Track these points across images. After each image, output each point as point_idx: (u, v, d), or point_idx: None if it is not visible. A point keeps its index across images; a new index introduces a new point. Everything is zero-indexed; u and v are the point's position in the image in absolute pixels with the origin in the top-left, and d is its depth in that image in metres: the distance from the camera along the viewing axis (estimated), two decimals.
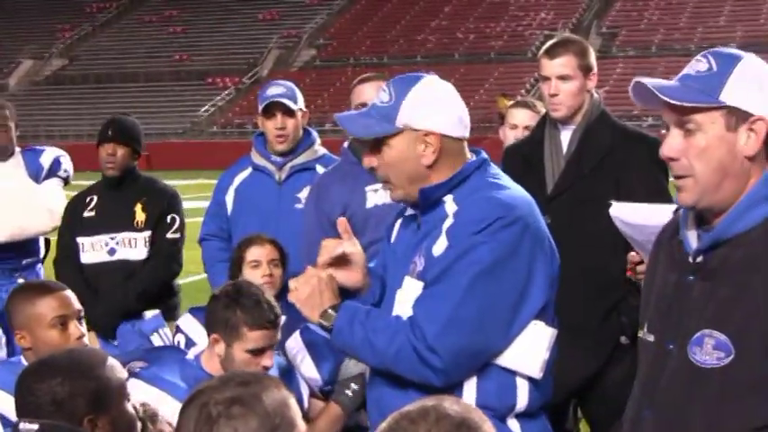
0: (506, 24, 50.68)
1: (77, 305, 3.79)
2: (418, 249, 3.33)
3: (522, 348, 3.26)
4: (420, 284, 3.29)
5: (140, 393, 3.66)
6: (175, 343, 4.84)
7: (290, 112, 5.56)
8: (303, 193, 5.44)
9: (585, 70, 4.86)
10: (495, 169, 3.43)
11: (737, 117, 2.67)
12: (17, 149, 6.52)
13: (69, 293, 3.80)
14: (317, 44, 52.96)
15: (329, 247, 3.48)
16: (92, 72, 54.25)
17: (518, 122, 6.03)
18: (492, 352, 3.25)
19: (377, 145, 3.35)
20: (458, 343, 3.18)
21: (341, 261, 3.48)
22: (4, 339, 4.96)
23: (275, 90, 5.59)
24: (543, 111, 5.72)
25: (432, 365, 3.19)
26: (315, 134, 5.74)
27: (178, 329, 4.88)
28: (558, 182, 4.84)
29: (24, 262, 6.32)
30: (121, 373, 2.86)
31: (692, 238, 2.78)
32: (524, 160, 4.97)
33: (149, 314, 5.79)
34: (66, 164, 6.56)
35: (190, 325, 4.79)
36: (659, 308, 2.84)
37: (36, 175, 6.44)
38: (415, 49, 49.93)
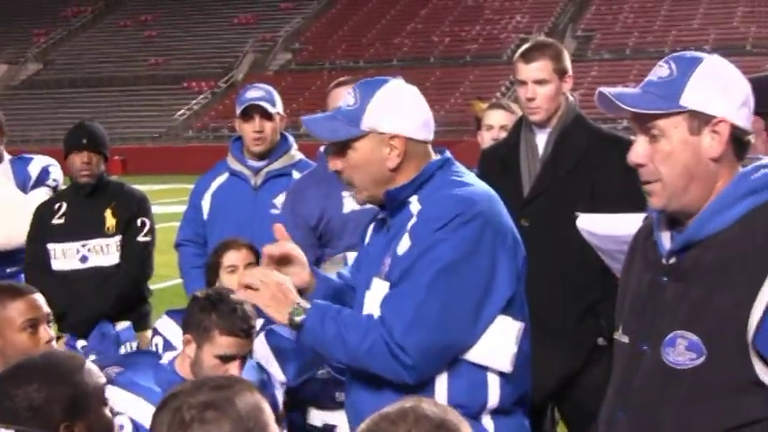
0: (482, 28, 50.77)
1: (47, 308, 3.78)
2: (387, 250, 3.36)
3: (490, 343, 3.28)
4: (386, 285, 3.32)
5: (116, 399, 3.65)
6: (153, 345, 4.84)
7: (268, 116, 5.55)
8: (279, 199, 5.43)
9: (561, 73, 4.88)
10: (458, 167, 3.46)
11: (699, 120, 2.69)
12: (6, 157, 6.49)
13: (39, 297, 3.78)
14: (293, 48, 52.92)
15: (270, 250, 3.50)
16: (67, 76, 54.08)
17: (494, 123, 6.04)
18: (460, 348, 3.27)
19: (342, 148, 3.38)
20: (424, 340, 3.21)
21: (284, 262, 3.50)
22: None
23: (254, 93, 5.58)
24: (518, 112, 5.73)
25: (402, 362, 3.21)
26: (291, 139, 5.74)
27: (155, 332, 4.88)
28: (534, 185, 4.85)
29: (8, 271, 6.28)
30: (99, 377, 2.84)
31: (666, 240, 2.80)
32: (501, 163, 4.99)
33: (121, 326, 5.80)
34: (56, 173, 6.54)
35: (167, 327, 4.79)
36: (634, 309, 2.85)
37: (23, 184, 6.42)
38: (391, 52, 49.96)
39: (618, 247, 3.38)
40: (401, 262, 3.27)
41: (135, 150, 42.39)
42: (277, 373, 4.52)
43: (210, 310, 3.95)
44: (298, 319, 3.29)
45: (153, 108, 48.97)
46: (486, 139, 5.98)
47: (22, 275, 6.37)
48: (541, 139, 4.90)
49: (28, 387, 2.70)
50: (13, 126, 48.56)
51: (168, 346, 4.66)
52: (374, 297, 3.35)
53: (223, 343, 3.93)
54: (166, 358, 4.20)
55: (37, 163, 6.52)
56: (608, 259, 3.70)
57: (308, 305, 3.31)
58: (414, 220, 3.31)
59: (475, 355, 3.28)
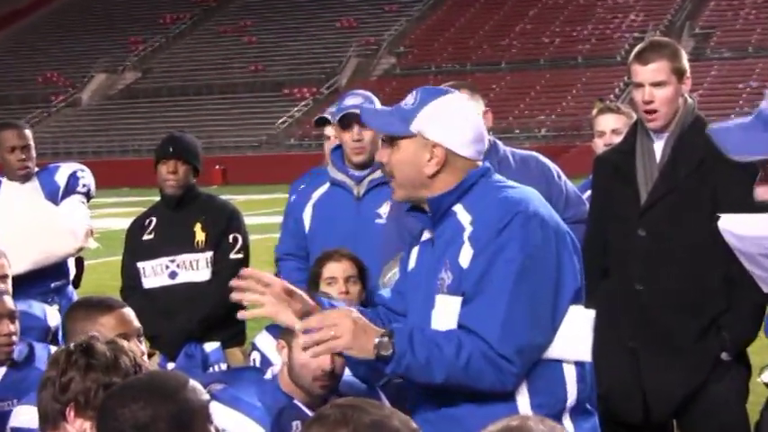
0: (594, 27, 50.43)
1: (137, 323, 3.85)
2: (441, 265, 3.43)
3: (568, 335, 3.38)
4: (456, 299, 3.38)
5: (218, 416, 3.69)
6: (251, 361, 4.88)
7: None
8: (383, 209, 5.43)
9: (679, 74, 4.82)
10: (498, 176, 3.58)
11: None
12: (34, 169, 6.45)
13: (129, 311, 3.86)
14: (397, 52, 53.13)
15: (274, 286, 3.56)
16: (165, 85, 54.95)
17: (605, 128, 6.00)
18: (546, 345, 3.36)
19: (391, 142, 3.53)
20: (521, 344, 3.29)
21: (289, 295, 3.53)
22: None
23: (352, 100, 5.58)
24: (631, 113, 5.67)
25: (506, 371, 3.29)
26: None
27: (254, 347, 4.92)
28: (651, 192, 4.80)
29: (53, 285, 6.29)
30: (203, 395, 2.88)
31: None
32: (616, 170, 4.94)
33: (209, 347, 5.82)
34: (86, 178, 6.49)
35: (266, 343, 4.82)
36: None
37: (53, 195, 6.38)
38: (499, 55, 49.90)
39: (760, 250, 3.31)
40: (471, 272, 3.34)
41: (235, 160, 42.92)
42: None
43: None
44: (386, 352, 3.28)
45: (253, 116, 49.54)
46: (599, 145, 5.94)
47: (70, 287, 6.42)
48: (659, 144, 4.84)
49: (133, 405, 2.74)
50: (112, 136, 49.67)
51: (266, 362, 4.69)
52: (443, 314, 3.40)
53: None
54: (270, 373, 4.24)
55: (64, 171, 6.47)
56: (749, 264, 3.63)
57: (389, 332, 3.30)
58: (469, 229, 3.40)
59: (554, 350, 3.37)
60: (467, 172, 3.49)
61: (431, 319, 3.44)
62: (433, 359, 3.28)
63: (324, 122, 6.01)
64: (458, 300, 3.37)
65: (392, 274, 4.63)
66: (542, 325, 3.33)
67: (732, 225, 3.70)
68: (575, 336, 3.39)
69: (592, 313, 3.43)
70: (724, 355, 4.69)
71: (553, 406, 3.37)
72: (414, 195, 3.53)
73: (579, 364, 3.43)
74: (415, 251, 3.66)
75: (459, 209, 3.46)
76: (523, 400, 3.36)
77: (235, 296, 3.63)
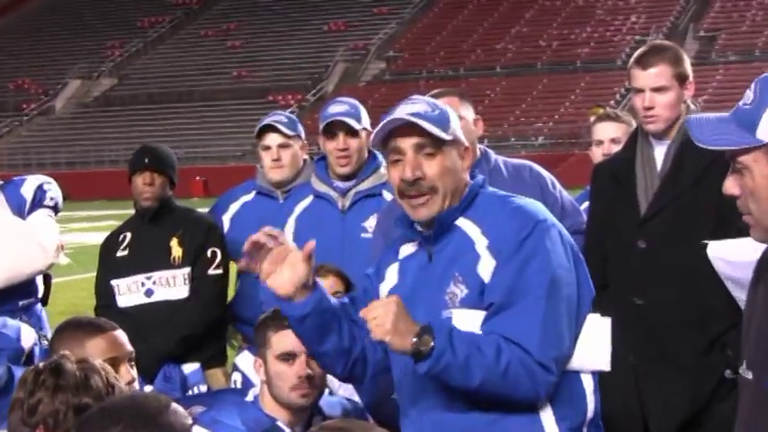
0: (593, 30, 50.56)
1: (129, 347, 3.81)
2: (447, 280, 3.45)
3: (589, 344, 3.45)
4: (478, 312, 3.41)
5: None
6: (232, 382, 4.88)
7: (352, 132, 5.54)
8: (369, 222, 5.43)
9: (681, 79, 4.83)
10: (491, 188, 3.65)
11: None
12: None
13: (120, 333, 3.81)
14: (387, 56, 53.20)
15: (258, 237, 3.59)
16: (143, 92, 54.93)
17: (603, 137, 6.03)
18: (571, 354, 3.44)
19: (433, 152, 3.50)
20: (557, 352, 3.37)
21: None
22: None
23: (337, 108, 5.58)
24: (631, 122, 5.68)
25: (544, 380, 3.35)
26: (380, 157, 5.72)
27: (235, 367, 4.92)
28: (651, 202, 4.81)
29: (21, 303, 6.23)
30: (186, 418, 2.87)
31: None
32: (615, 179, 4.95)
33: (188, 369, 5.81)
34: (53, 191, 6.31)
35: (247, 363, 4.83)
36: (759, 342, 2.79)
37: (20, 209, 6.21)
38: (494, 59, 49.99)
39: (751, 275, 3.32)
40: (498, 284, 3.38)
41: (217, 170, 42.88)
42: (352, 396, 4.53)
43: (266, 320, 4.11)
44: (425, 348, 3.29)
45: (236, 124, 49.50)
46: (597, 154, 5.96)
47: (39, 306, 6.39)
48: (660, 153, 4.86)
49: (113, 429, 2.74)
50: (87, 146, 49.63)
51: (248, 383, 4.69)
52: (464, 328, 3.40)
53: (279, 340, 4.02)
54: (251, 395, 4.25)
55: (30, 184, 6.27)
56: (735, 289, 3.66)
57: (428, 327, 3.32)
58: (483, 240, 3.44)
59: (575, 360, 3.44)
60: (468, 183, 3.56)
61: None
62: (472, 360, 3.31)
63: (266, 130, 6.00)
64: (480, 313, 3.41)
65: None
66: (571, 335, 3.42)
67: (722, 252, 3.73)
68: (594, 345, 3.46)
69: (608, 321, 3.49)
70: (728, 373, 4.70)
71: (575, 418, 3.45)
72: (449, 208, 3.54)
73: (594, 375, 3.50)
74: (393, 268, 3.68)
75: (463, 222, 3.50)
76: (547, 413, 3.42)
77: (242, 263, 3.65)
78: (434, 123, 3.45)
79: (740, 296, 3.67)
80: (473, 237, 3.46)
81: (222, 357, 6.04)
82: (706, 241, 3.81)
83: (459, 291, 3.43)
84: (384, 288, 3.67)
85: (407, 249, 3.63)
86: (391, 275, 3.67)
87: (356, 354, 3.64)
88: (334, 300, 3.67)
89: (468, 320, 3.40)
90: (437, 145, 3.47)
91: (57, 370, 3.12)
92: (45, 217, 6.22)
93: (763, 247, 3.25)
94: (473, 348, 3.31)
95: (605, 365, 3.49)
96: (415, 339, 3.30)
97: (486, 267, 3.40)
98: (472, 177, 3.60)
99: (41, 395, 3.10)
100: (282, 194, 5.92)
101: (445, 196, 3.49)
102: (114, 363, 3.74)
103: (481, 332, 3.38)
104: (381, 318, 3.31)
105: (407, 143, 3.47)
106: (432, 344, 3.29)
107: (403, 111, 3.49)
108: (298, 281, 3.55)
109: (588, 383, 3.50)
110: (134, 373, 3.82)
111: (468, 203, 3.52)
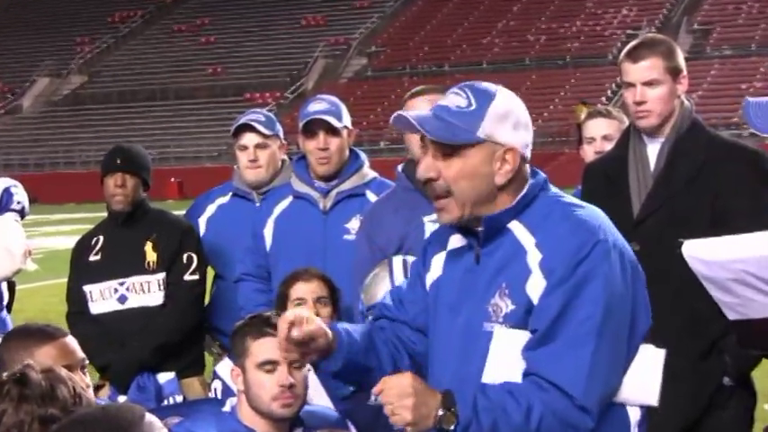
0: (583, 24, 50.63)
1: (80, 353, 3.76)
2: (494, 289, 3.32)
3: (637, 377, 3.31)
4: (523, 333, 3.26)
5: None
6: (212, 390, 4.87)
7: (333, 131, 5.53)
8: (352, 223, 5.43)
9: (674, 73, 4.84)
10: (554, 188, 3.45)
11: None
12: None
13: (71, 340, 3.75)
14: (369, 52, 53.19)
15: (295, 336, 3.42)
16: (115, 90, 54.83)
17: (594, 134, 6.02)
18: (619, 387, 3.29)
19: (449, 153, 3.32)
20: (601, 392, 3.23)
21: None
22: None
23: (317, 106, 5.58)
24: (623, 119, 5.69)
25: (582, 425, 3.20)
26: (363, 156, 5.72)
27: (215, 375, 4.91)
28: (645, 202, 4.82)
29: None
30: (161, 429, 2.87)
31: None
32: (607, 179, 4.96)
33: (163, 378, 5.80)
34: (20, 194, 6.42)
35: (228, 371, 4.82)
36: None
37: None
38: (480, 54, 50.02)
39: (731, 275, 3.33)
40: (546, 309, 3.23)
41: (192, 171, 42.83)
42: (327, 405, 4.53)
43: (244, 327, 4.08)
44: (449, 426, 3.21)
45: (212, 123, 49.45)
46: (589, 152, 5.95)
47: (5, 313, 6.36)
48: (653, 151, 4.86)
49: None
50: (56, 146, 49.51)
51: (228, 391, 4.69)
52: (505, 348, 3.29)
53: (258, 347, 4.00)
54: (228, 405, 4.23)
55: None
56: (715, 291, 3.65)
57: (450, 397, 3.24)
58: (535, 253, 3.27)
59: (622, 392, 3.30)
60: (527, 183, 3.38)
61: (476, 346, 3.34)
62: (500, 423, 3.20)
63: (243, 130, 6.00)
64: (524, 334, 3.26)
65: (378, 290, 4.61)
66: (620, 369, 3.27)
67: (697, 251, 3.72)
68: (644, 377, 3.32)
69: (662, 354, 3.38)
70: (726, 380, 4.71)
71: None
72: (474, 214, 3.34)
73: (642, 408, 3.36)
74: (439, 258, 3.54)
75: (515, 226, 3.33)
76: None
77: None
78: (455, 123, 3.29)
79: (718, 296, 3.65)
80: (526, 246, 3.29)
81: (199, 366, 6.05)
82: (681, 240, 3.80)
83: (505, 305, 3.28)
84: (429, 279, 3.54)
85: (456, 241, 3.47)
86: (437, 265, 3.53)
87: (404, 364, 3.58)
88: (356, 332, 3.57)
89: (511, 341, 3.27)
90: (453, 146, 3.31)
91: (21, 380, 3.11)
92: (10, 221, 6.20)
93: (739, 245, 3.27)
94: (500, 413, 3.18)
95: (654, 400, 3.35)
96: (439, 414, 3.20)
97: (535, 287, 3.24)
98: (534, 175, 3.42)
99: (5, 406, 3.08)
100: (259, 196, 5.92)
101: (464, 204, 3.31)
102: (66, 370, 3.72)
103: (522, 357, 3.25)
104: (399, 409, 3.21)
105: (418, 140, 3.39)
106: (455, 421, 3.20)
107: (425, 104, 3.40)
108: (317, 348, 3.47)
109: (635, 416, 3.34)
110: (88, 380, 3.80)
111: (524, 206, 3.34)
